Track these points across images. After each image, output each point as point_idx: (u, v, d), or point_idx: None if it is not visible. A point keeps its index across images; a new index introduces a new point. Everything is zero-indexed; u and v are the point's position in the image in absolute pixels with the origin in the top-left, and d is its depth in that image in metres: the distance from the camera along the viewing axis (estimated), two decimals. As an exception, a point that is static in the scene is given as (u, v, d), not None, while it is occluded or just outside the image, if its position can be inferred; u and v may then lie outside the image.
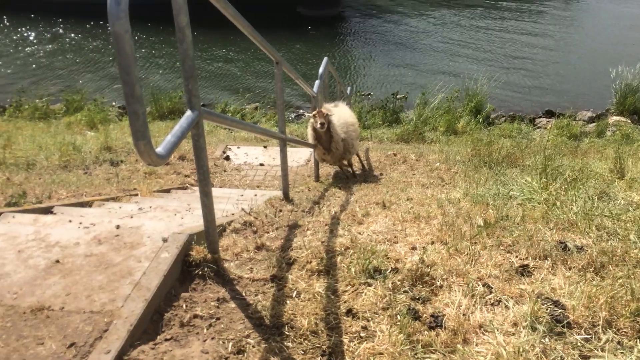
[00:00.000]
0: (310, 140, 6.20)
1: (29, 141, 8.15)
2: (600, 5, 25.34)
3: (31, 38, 19.20)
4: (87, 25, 20.03)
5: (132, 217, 3.57)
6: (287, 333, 2.10)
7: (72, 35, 19.53)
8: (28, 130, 9.99)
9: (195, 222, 3.28)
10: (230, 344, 2.02)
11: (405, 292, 2.39)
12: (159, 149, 1.82)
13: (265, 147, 8.47)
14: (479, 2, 24.96)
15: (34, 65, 16.98)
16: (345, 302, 2.33)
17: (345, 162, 6.99)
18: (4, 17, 20.52)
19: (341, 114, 6.41)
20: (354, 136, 6.48)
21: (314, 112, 5.94)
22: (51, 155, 7.08)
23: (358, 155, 7.30)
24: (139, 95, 1.63)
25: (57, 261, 2.43)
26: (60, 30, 19.92)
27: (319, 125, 5.76)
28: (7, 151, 6.96)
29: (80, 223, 2.94)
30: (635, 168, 5.68)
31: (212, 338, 2.06)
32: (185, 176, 6.73)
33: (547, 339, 1.97)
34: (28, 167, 6.44)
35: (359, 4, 24.35)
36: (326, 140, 6.00)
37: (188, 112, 2.28)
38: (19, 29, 19.79)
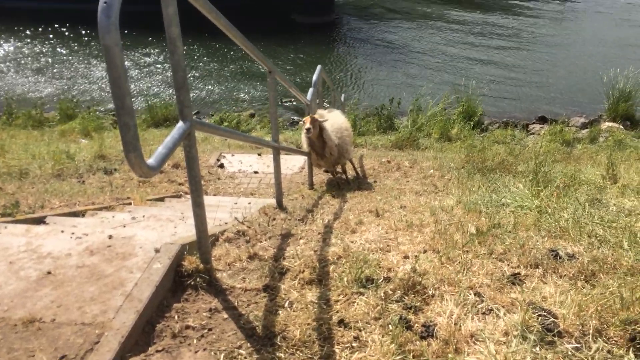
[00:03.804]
0: (305, 146, 6.25)
1: (22, 150, 8.12)
2: (592, 10, 25.53)
3: (23, 46, 19.16)
4: (81, 32, 20.03)
5: (124, 226, 3.56)
6: (279, 343, 2.10)
7: (65, 42, 19.51)
8: (22, 138, 9.96)
9: (188, 231, 3.28)
10: (222, 355, 2.01)
11: (397, 301, 2.40)
12: (150, 161, 1.82)
13: (259, 154, 8.48)
14: (471, 9, 25.11)
15: (27, 73, 16.94)
16: (337, 312, 2.33)
17: (339, 169, 7.03)
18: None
19: (335, 120, 6.47)
20: (348, 141, 6.56)
21: (304, 119, 5.99)
22: (45, 164, 7.05)
23: (352, 162, 7.31)
24: (129, 108, 1.64)
25: (49, 272, 2.43)
26: (52, 38, 19.90)
27: (304, 131, 5.83)
28: (0, 160, 6.94)
29: (73, 233, 2.93)
30: (627, 174, 5.72)
31: (204, 349, 2.06)
32: (179, 184, 6.72)
33: (537, 348, 1.97)
34: (21, 176, 6.41)
35: (354, 10, 24.48)
36: (320, 146, 6.07)
37: (180, 123, 2.29)
38: (11, 37, 19.77)
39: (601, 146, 10.33)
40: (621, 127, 12.24)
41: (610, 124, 12.46)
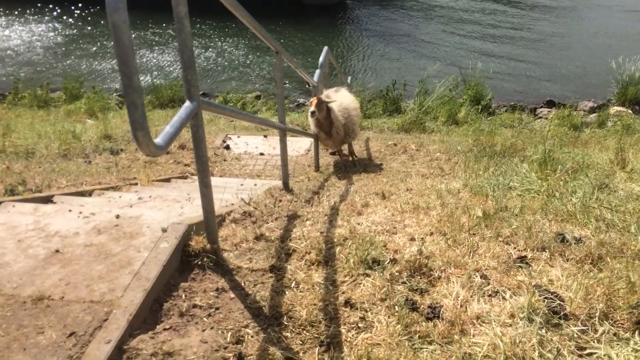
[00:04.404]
0: (312, 126, 6.28)
1: (29, 129, 8.13)
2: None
3: (30, 25, 19.07)
4: (88, 11, 19.91)
5: (131, 206, 3.57)
6: (285, 323, 2.11)
7: (71, 22, 19.41)
8: (27, 118, 9.97)
9: (194, 211, 3.28)
10: (229, 333, 2.03)
11: (404, 283, 2.40)
12: (158, 140, 1.81)
13: (265, 136, 8.45)
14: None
15: (33, 52, 16.89)
16: (343, 292, 2.34)
17: (346, 151, 7.02)
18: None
19: (342, 99, 6.47)
20: (355, 121, 6.59)
21: (311, 100, 6.01)
22: (51, 143, 7.07)
23: (350, 147, 7.22)
24: (137, 86, 1.63)
25: (57, 251, 2.44)
26: (59, 17, 19.80)
27: (309, 114, 5.89)
28: (6, 140, 6.95)
29: (80, 212, 2.94)
30: (635, 159, 5.66)
31: (211, 328, 2.07)
32: (185, 165, 6.73)
33: (543, 331, 1.98)
34: (28, 156, 6.43)
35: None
36: (327, 126, 6.13)
37: (187, 103, 2.28)
38: (17, 16, 19.67)
39: (609, 131, 10.23)
40: (630, 111, 12.09)
41: (619, 108, 12.32)
